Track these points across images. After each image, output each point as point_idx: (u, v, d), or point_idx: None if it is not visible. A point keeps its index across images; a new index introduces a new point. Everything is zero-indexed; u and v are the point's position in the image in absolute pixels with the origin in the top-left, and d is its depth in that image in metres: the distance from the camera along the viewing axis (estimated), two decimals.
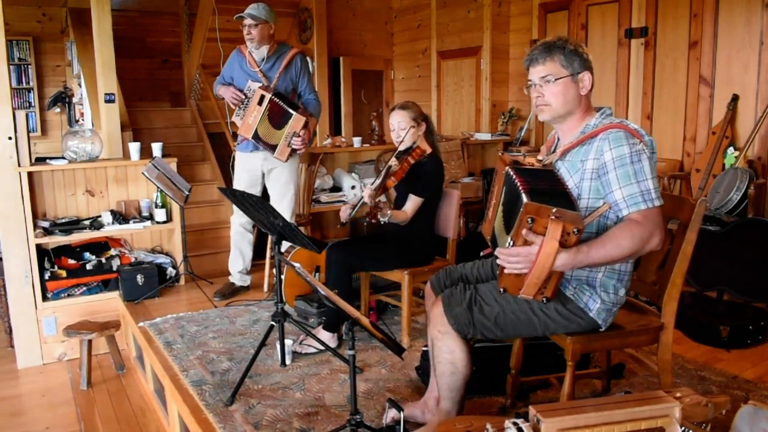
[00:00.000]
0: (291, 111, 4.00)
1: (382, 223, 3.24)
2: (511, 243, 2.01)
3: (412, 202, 3.43)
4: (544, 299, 2.06)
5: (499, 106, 7.03)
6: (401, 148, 3.41)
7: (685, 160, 5.30)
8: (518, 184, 2.02)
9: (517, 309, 2.23)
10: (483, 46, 7.02)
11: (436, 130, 3.68)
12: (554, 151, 2.31)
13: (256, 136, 4.05)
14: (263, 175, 4.30)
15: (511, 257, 2.00)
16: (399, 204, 3.52)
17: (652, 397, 1.81)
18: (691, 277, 3.82)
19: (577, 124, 2.24)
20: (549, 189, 2.04)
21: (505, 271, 2.05)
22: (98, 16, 5.25)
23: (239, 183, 4.29)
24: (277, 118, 4.02)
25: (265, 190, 4.38)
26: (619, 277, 2.23)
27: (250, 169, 4.28)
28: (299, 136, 4.01)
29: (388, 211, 3.27)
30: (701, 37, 5.12)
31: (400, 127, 3.44)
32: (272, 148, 4.08)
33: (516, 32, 6.96)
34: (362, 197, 3.31)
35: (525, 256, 1.97)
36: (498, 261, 2.06)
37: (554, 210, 1.93)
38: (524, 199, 1.95)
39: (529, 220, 1.94)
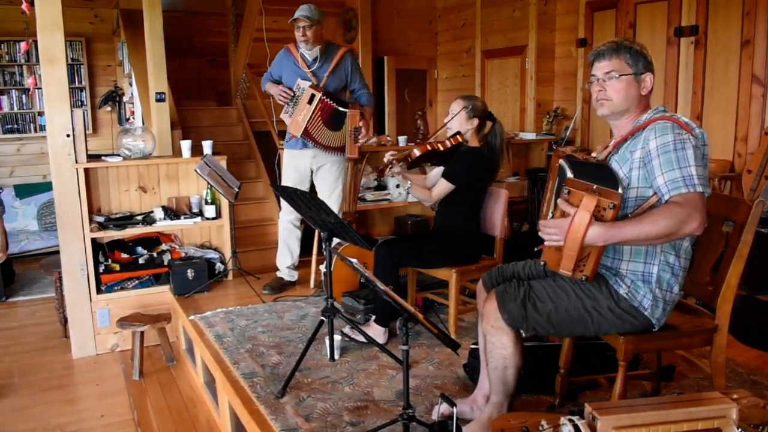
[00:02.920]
0: (343, 109, 4.09)
1: (402, 187, 3.40)
2: (551, 216, 2.14)
3: (441, 186, 3.49)
4: (584, 278, 2.10)
5: (545, 106, 6.99)
6: (448, 133, 3.49)
7: (736, 161, 5.20)
8: (567, 169, 2.09)
9: (570, 307, 2.25)
10: (528, 45, 6.98)
11: (500, 134, 3.60)
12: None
13: (306, 134, 4.12)
14: (312, 172, 4.37)
15: (548, 228, 2.12)
16: None
17: (708, 398, 1.80)
18: (742, 280, 3.75)
19: (632, 121, 2.28)
20: (597, 174, 2.10)
21: (545, 243, 2.16)
22: (150, 17, 5.37)
23: (288, 180, 4.36)
24: (331, 118, 4.10)
25: (312, 187, 4.44)
26: (673, 271, 2.23)
27: (299, 166, 4.35)
28: (360, 129, 4.12)
29: (409, 181, 3.38)
30: (754, 36, 5.01)
31: (452, 113, 3.52)
32: (340, 150, 4.19)
33: (562, 31, 6.90)
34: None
35: (559, 227, 2.07)
36: (539, 234, 2.17)
37: (594, 187, 2.01)
38: (569, 174, 2.06)
39: (566, 191, 2.04)
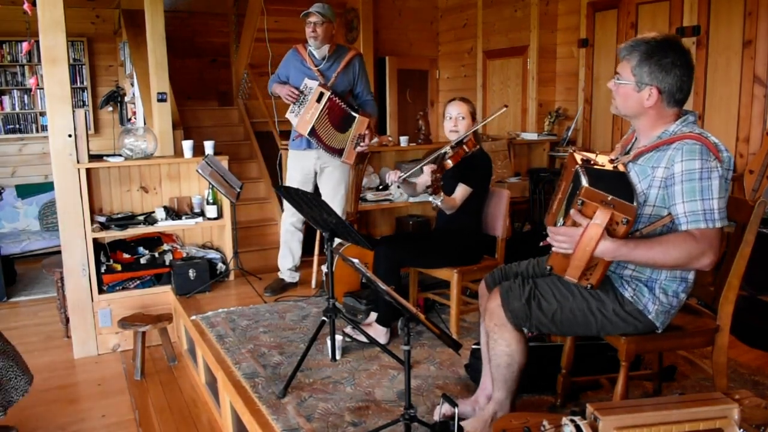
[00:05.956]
0: (353, 113, 4.08)
1: (433, 205, 3.31)
2: (562, 223, 2.09)
3: (461, 191, 3.47)
4: (589, 285, 2.09)
5: (546, 106, 6.98)
6: (456, 138, 3.47)
7: (738, 161, 5.20)
8: (582, 177, 2.02)
9: (575, 307, 2.24)
10: (530, 46, 6.97)
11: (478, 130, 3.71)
12: (629, 152, 2.27)
13: (312, 133, 4.11)
14: (315, 173, 4.36)
15: (558, 236, 2.08)
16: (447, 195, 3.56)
17: (710, 398, 1.80)
18: (744, 280, 3.74)
19: (653, 127, 2.19)
20: (613, 183, 2.04)
21: (553, 249, 2.13)
22: (152, 18, 5.38)
23: (292, 181, 4.35)
24: (338, 119, 4.09)
25: (315, 188, 4.43)
26: (681, 281, 2.22)
27: (303, 167, 4.34)
28: (364, 137, 4.10)
29: (441, 194, 3.32)
30: (756, 36, 5.00)
31: (459, 117, 3.53)
32: (339, 152, 4.16)
33: (563, 31, 6.90)
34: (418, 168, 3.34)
35: (570, 237, 2.03)
36: (548, 239, 2.14)
37: (609, 198, 1.96)
38: (584, 182, 1.98)
39: (580, 202, 1.98)
